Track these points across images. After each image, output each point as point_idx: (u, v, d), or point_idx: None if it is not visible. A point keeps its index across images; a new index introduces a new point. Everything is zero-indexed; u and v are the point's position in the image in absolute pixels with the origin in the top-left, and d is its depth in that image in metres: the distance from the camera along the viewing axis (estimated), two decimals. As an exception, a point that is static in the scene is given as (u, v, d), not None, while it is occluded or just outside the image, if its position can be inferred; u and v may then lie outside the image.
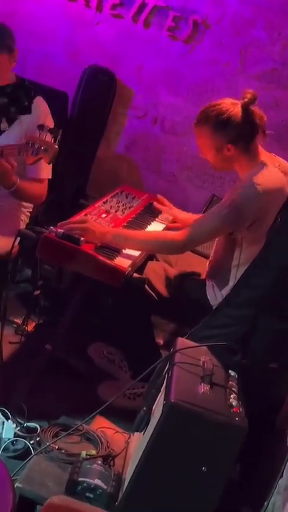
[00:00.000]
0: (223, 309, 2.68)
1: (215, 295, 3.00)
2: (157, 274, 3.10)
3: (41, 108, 3.10)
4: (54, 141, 2.71)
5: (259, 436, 2.49)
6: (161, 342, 3.61)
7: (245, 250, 2.91)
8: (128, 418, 2.73)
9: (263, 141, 2.97)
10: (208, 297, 3.03)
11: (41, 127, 2.71)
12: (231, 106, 2.88)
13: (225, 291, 2.91)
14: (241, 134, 2.87)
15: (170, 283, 3.10)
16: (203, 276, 3.16)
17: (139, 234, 3.10)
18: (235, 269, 2.95)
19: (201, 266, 3.26)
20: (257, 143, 2.94)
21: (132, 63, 4.26)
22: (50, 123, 3.02)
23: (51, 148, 2.70)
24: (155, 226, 3.40)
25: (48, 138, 2.70)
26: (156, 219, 3.49)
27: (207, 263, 3.17)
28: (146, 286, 2.98)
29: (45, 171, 3.14)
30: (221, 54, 4.07)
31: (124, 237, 2.97)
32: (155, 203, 3.56)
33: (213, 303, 2.97)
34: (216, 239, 3.11)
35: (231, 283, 2.93)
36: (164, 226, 3.45)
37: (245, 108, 2.86)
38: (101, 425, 2.84)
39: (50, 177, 3.21)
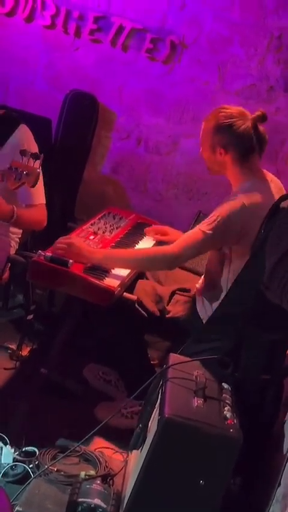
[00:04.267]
0: (212, 324, 2.71)
1: (205, 309, 3.02)
2: (147, 292, 3.12)
3: (24, 136, 3.14)
4: (37, 166, 2.74)
5: (257, 447, 2.51)
6: (155, 360, 3.63)
7: (234, 263, 2.93)
8: (126, 437, 2.75)
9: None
10: (198, 311, 3.05)
11: (23, 152, 2.74)
12: (240, 115, 2.94)
13: (216, 305, 2.93)
14: (236, 144, 2.92)
15: (160, 300, 3.13)
16: (193, 292, 3.19)
17: (128, 253, 3.11)
18: (225, 283, 2.96)
19: (190, 282, 3.29)
20: (255, 160, 2.99)
21: (113, 86, 4.31)
22: (33, 149, 3.05)
23: (33, 173, 2.72)
24: (144, 244, 3.43)
25: (31, 163, 2.73)
26: (146, 236, 3.53)
27: (201, 278, 3.19)
28: (136, 305, 3.00)
29: (38, 195, 3.17)
30: (199, 73, 4.12)
31: (113, 257, 2.99)
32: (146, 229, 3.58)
33: (203, 317, 2.99)
34: (208, 256, 3.14)
35: (222, 297, 2.95)
36: (153, 242, 3.48)
37: (252, 123, 2.93)
38: (99, 445, 2.86)
39: (44, 201, 3.24)
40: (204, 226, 2.89)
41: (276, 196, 2.93)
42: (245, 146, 2.94)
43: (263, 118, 2.95)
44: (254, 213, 2.82)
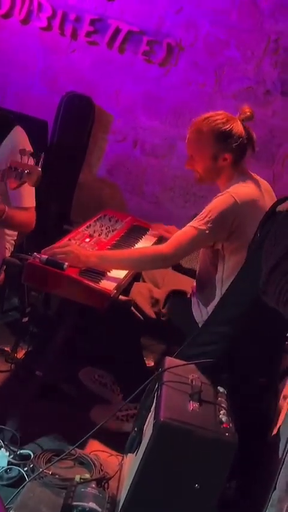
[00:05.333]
0: (208, 327, 2.70)
1: (200, 312, 3.01)
2: (142, 294, 3.12)
3: (19, 137, 3.12)
4: (37, 165, 2.71)
5: (253, 450, 2.50)
6: (151, 363, 3.62)
7: (227, 261, 2.94)
8: (122, 440, 2.74)
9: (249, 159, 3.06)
10: (194, 314, 3.05)
11: (22, 151, 2.70)
12: (232, 118, 2.96)
13: (211, 307, 2.93)
14: (236, 147, 2.94)
15: (156, 302, 3.12)
16: (188, 294, 3.18)
17: (123, 253, 3.11)
18: (220, 282, 2.97)
19: (187, 285, 3.29)
20: (245, 160, 3.03)
21: (110, 88, 4.31)
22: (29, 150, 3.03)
23: (35, 172, 2.68)
24: (141, 245, 3.43)
25: (31, 162, 2.71)
26: (143, 237, 3.54)
27: (195, 281, 3.19)
28: (132, 307, 3.00)
29: (28, 199, 3.15)
30: (196, 75, 4.13)
31: (109, 258, 2.99)
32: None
33: (199, 320, 2.99)
34: (200, 256, 3.14)
35: (216, 298, 2.95)
36: (152, 242, 3.48)
37: (243, 124, 2.97)
38: (94, 448, 2.85)
39: (34, 205, 3.22)
40: (195, 223, 2.89)
41: (265, 195, 2.98)
42: (242, 148, 2.97)
43: (251, 117, 2.99)
44: (244, 208, 2.85)
